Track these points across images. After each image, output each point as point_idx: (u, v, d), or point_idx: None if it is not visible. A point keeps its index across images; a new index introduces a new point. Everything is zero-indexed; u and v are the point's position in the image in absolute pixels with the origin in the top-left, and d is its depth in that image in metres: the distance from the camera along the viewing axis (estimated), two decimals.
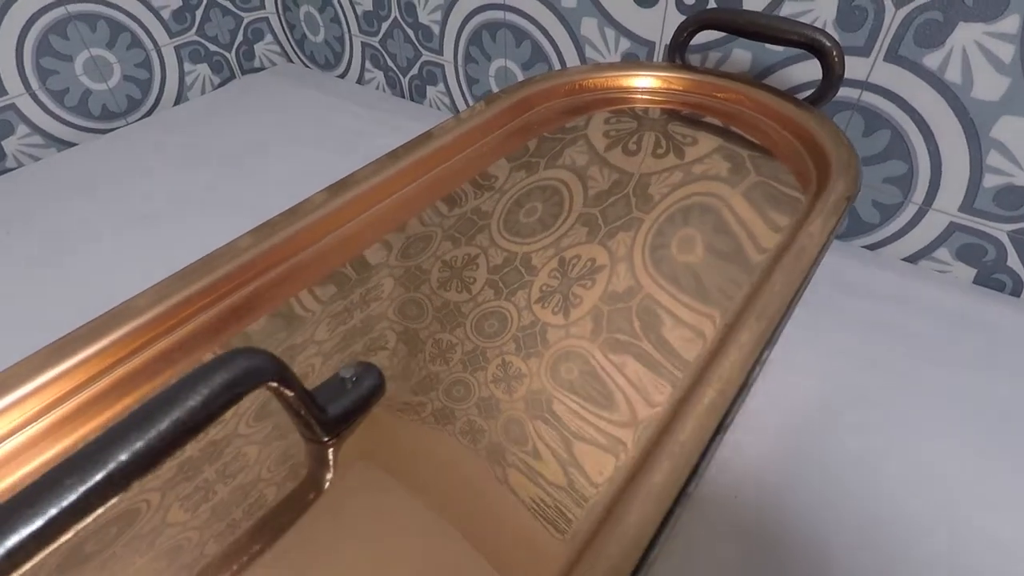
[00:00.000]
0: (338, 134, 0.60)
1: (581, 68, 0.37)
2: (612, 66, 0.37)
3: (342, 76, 0.72)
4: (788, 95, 0.33)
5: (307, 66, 0.75)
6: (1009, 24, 0.33)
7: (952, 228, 0.40)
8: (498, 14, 0.52)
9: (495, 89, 0.58)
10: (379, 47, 0.65)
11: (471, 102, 0.61)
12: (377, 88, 0.69)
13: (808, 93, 0.41)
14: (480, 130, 0.34)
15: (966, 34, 0.34)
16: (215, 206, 0.51)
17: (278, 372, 0.15)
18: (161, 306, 0.22)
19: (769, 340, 0.20)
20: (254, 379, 0.14)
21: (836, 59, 0.33)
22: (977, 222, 0.39)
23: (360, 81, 0.70)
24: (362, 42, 0.66)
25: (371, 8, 0.62)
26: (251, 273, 0.25)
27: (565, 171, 0.33)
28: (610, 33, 0.47)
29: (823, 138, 0.30)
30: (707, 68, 0.36)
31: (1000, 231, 0.39)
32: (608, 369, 0.21)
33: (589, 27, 0.48)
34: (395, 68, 0.65)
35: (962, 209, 0.39)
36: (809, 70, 0.40)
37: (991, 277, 0.41)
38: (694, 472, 0.16)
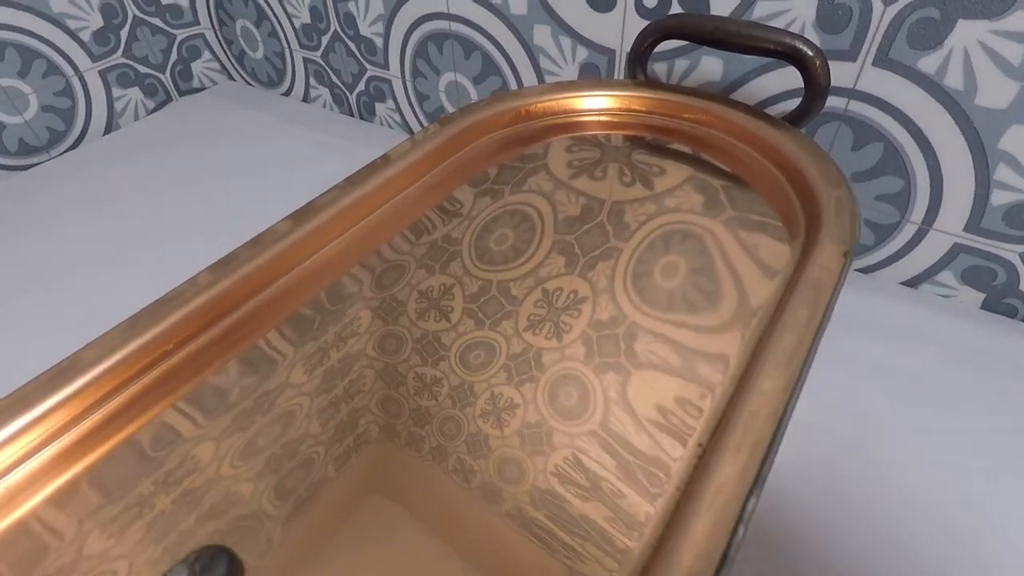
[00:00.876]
0: (284, 159, 0.55)
1: (535, 89, 0.32)
2: (568, 86, 0.32)
3: (286, 94, 0.66)
4: (765, 115, 0.29)
5: (250, 84, 0.69)
6: (1017, 21, 0.28)
7: (957, 250, 0.36)
8: (443, 24, 0.47)
9: (447, 105, 0.53)
10: (322, 62, 0.59)
11: (423, 120, 0.56)
12: (324, 106, 0.64)
13: (789, 105, 0.37)
14: (436, 155, 0.29)
15: (968, 33, 0.29)
16: (157, 241, 0.46)
17: None
18: (112, 358, 0.20)
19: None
20: None
21: (819, 69, 0.28)
22: (985, 243, 0.35)
23: (306, 99, 0.65)
24: (304, 57, 0.60)
25: (309, 21, 0.56)
26: (213, 314, 0.22)
27: (532, 197, 0.29)
28: (565, 42, 0.42)
29: (809, 169, 0.25)
30: (672, 85, 0.31)
31: (1011, 252, 0.34)
32: (630, 415, 0.19)
33: (542, 36, 0.43)
34: (341, 85, 0.60)
35: (968, 229, 0.35)
36: (789, 78, 0.35)
37: (1002, 302, 0.36)
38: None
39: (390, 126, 0.59)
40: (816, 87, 0.28)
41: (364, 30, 0.53)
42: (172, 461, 0.18)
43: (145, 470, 0.18)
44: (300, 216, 0.25)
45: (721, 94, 0.30)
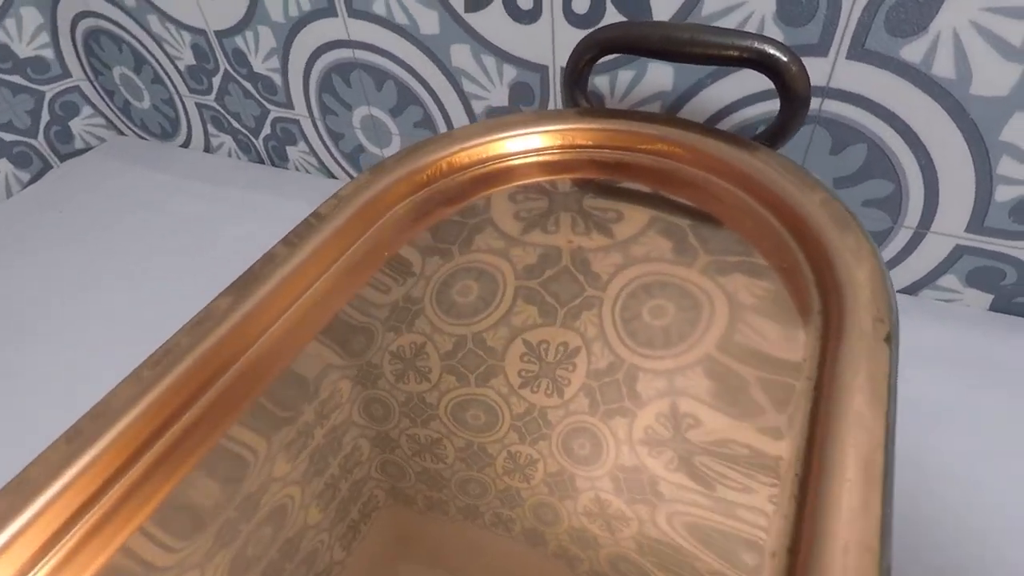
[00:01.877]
0: (190, 223, 0.47)
1: (462, 134, 0.26)
2: (499, 125, 0.26)
3: (185, 145, 0.58)
4: (737, 138, 0.23)
5: (142, 138, 0.61)
6: None
7: (959, 252, 0.32)
8: (346, 53, 0.41)
9: (365, 143, 0.46)
10: (218, 107, 0.52)
11: (342, 161, 0.49)
12: (229, 155, 0.56)
13: (758, 111, 0.32)
14: (362, 219, 0.23)
15: (957, 13, 0.25)
16: (44, 340, 0.38)
17: None
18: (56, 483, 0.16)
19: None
20: None
21: (796, 76, 0.23)
22: (991, 242, 0.30)
23: (208, 149, 0.57)
24: (196, 103, 0.53)
25: (193, 61, 0.49)
26: (163, 417, 0.19)
27: (484, 256, 0.24)
28: (489, 61, 0.36)
29: (808, 209, 0.20)
30: (621, 111, 0.26)
31: (1021, 250, 0.30)
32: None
33: (461, 56, 0.37)
34: (244, 130, 0.52)
35: (970, 229, 0.30)
36: (753, 78, 0.30)
37: (1012, 302, 0.32)
38: None
39: (307, 170, 0.52)
40: (794, 97, 0.23)
41: (258, 67, 0.46)
42: None
43: None
44: (240, 289, 0.21)
45: (681, 117, 0.25)
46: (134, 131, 0.61)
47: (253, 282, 0.22)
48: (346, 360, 0.21)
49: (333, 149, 0.49)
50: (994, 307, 0.33)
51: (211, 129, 0.55)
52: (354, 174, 0.50)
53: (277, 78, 0.46)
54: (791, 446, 0.16)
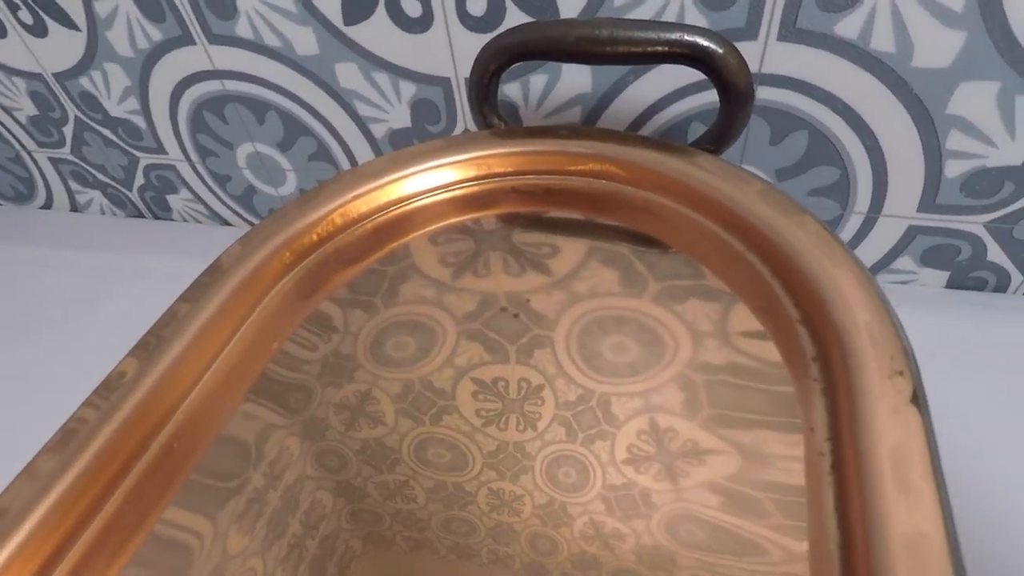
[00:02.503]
0: (58, 302, 0.40)
1: (352, 178, 0.21)
2: (399, 160, 0.22)
3: (46, 206, 0.50)
4: (678, 147, 0.20)
5: None
6: None
7: (912, 232, 0.30)
8: (214, 85, 0.35)
9: (256, 183, 0.41)
10: (76, 160, 0.44)
11: (234, 205, 0.43)
12: (102, 212, 0.49)
13: (692, 103, 0.29)
14: (261, 281, 0.19)
15: None
16: None
17: None
18: None
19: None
20: None
21: (735, 68, 0.20)
22: (944, 219, 0.29)
23: (75, 208, 0.49)
24: (49, 157, 0.45)
25: (36, 111, 0.41)
26: (83, 508, 0.15)
27: (414, 307, 0.21)
28: (382, 78, 0.32)
29: (778, 229, 0.16)
30: (542, 128, 0.22)
31: (975, 224, 0.28)
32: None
33: (349, 76, 0.32)
34: (113, 182, 0.45)
35: (922, 209, 0.29)
36: (682, 69, 0.27)
37: (969, 277, 0.31)
38: None
39: (196, 220, 0.46)
40: (735, 94, 0.20)
41: (114, 110, 0.39)
42: None
43: None
44: (147, 352, 0.17)
45: (612, 129, 0.21)
46: None
47: (160, 343, 0.17)
48: (287, 417, 0.19)
49: (221, 193, 0.43)
50: (950, 284, 0.32)
51: (74, 185, 0.47)
52: (250, 218, 0.44)
53: (139, 120, 0.39)
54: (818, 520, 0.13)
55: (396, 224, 0.22)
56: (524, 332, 0.21)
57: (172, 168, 0.42)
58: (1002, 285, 0.31)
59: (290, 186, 0.40)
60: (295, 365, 0.20)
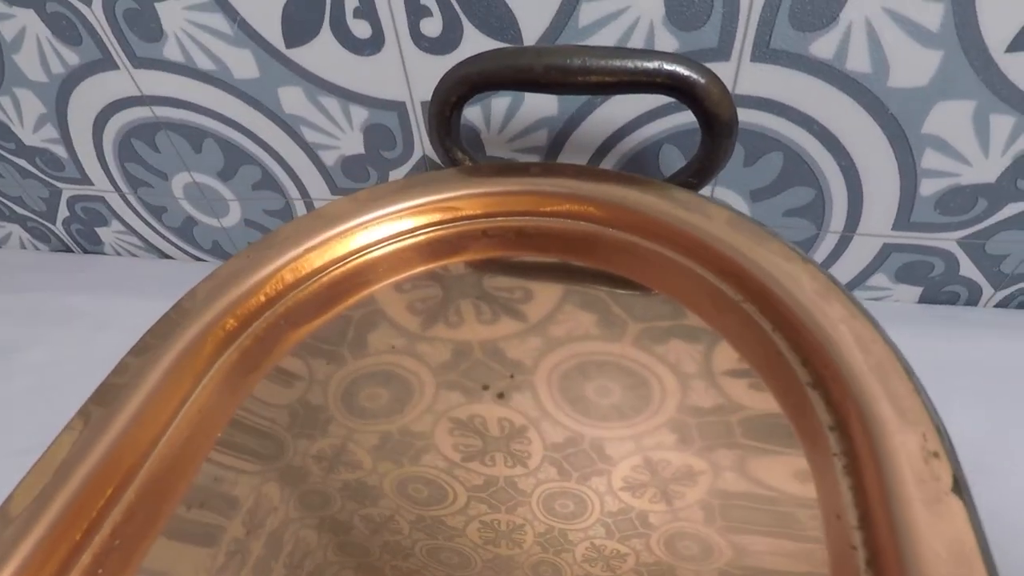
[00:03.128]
0: None
1: (306, 225, 0.19)
2: (359, 202, 0.19)
3: None
4: (654, 183, 0.19)
5: None
6: None
7: (887, 251, 0.29)
8: (142, 112, 0.32)
9: (195, 214, 0.37)
10: None
11: (172, 237, 0.40)
12: (23, 247, 0.44)
13: (666, 125, 0.27)
14: (205, 349, 0.16)
15: (868, 0, 0.21)
16: None
17: None
18: None
19: None
20: None
21: (717, 98, 0.18)
22: (918, 237, 0.28)
23: None
24: None
25: None
26: None
27: (386, 358, 0.19)
28: (331, 103, 0.29)
29: (761, 269, 0.15)
30: (512, 165, 0.20)
31: (947, 241, 0.28)
32: None
33: (293, 100, 0.30)
34: (34, 216, 0.41)
35: (897, 227, 0.28)
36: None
37: (941, 291, 0.31)
38: None
39: (131, 253, 0.42)
40: (717, 125, 0.19)
41: (29, 139, 0.35)
42: None
43: None
44: (104, 397, 0.16)
45: (588, 167, 0.19)
46: None
47: (116, 395, 0.16)
48: (263, 465, 0.17)
49: (156, 225, 0.39)
50: (923, 299, 0.31)
51: None
52: (191, 250, 0.40)
53: (59, 150, 0.35)
54: None
55: (355, 275, 0.19)
56: (503, 379, 0.20)
57: (100, 199, 0.38)
58: (973, 299, 0.31)
59: (234, 216, 0.37)
60: (260, 417, 0.18)
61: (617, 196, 0.18)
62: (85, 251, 0.43)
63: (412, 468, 0.17)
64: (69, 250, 0.44)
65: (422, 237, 0.19)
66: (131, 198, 0.38)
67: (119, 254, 0.43)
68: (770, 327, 0.15)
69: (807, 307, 0.14)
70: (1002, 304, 0.31)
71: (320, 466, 0.17)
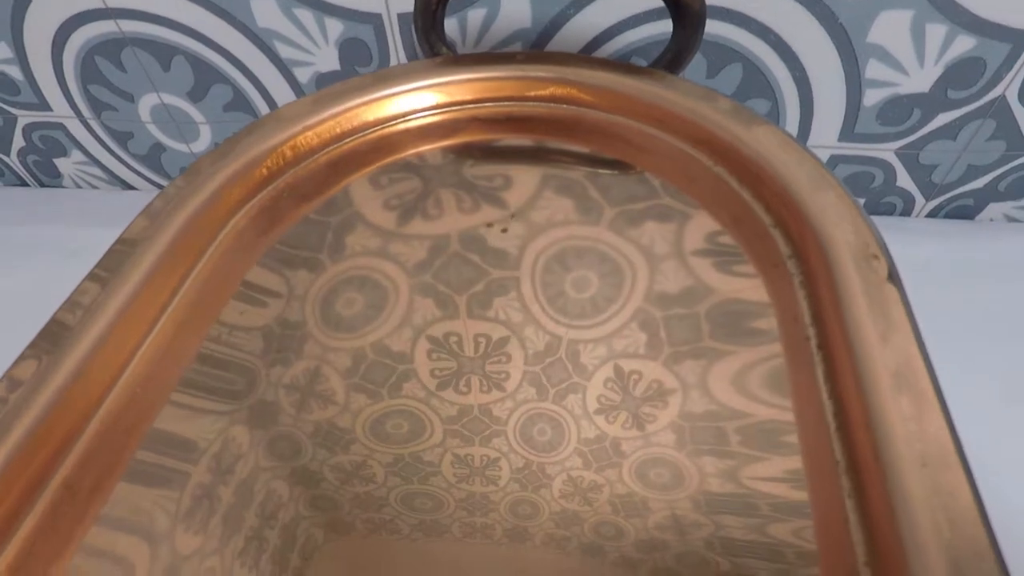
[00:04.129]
0: None
1: (305, 107, 0.20)
2: (357, 88, 0.20)
3: None
4: (640, 68, 0.20)
5: None
6: None
7: (834, 162, 0.32)
8: (107, 26, 0.31)
9: (164, 139, 0.37)
10: None
11: (137, 166, 0.39)
12: None
13: (635, 36, 0.29)
14: (192, 237, 0.17)
15: None
16: None
17: None
18: None
19: None
20: None
21: None
22: (861, 148, 0.31)
23: None
24: None
25: None
26: None
27: (363, 260, 0.20)
28: (305, 16, 0.29)
29: (731, 133, 0.17)
30: (497, 54, 0.21)
31: (887, 151, 0.31)
32: None
33: (267, 13, 0.30)
34: None
35: (843, 138, 0.30)
36: (623, 2, 0.27)
37: (880, 203, 0.34)
38: None
39: (92, 185, 0.41)
40: (689, 17, 0.20)
41: None
42: None
43: None
44: (49, 347, 0.15)
45: (572, 53, 0.21)
46: None
47: (65, 335, 0.15)
48: (230, 404, 0.17)
49: (121, 153, 0.38)
50: (865, 210, 0.34)
51: None
52: (157, 179, 0.40)
53: (14, 71, 0.34)
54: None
55: (348, 158, 0.20)
56: (481, 278, 0.21)
57: (60, 127, 0.37)
58: (908, 210, 0.34)
59: (204, 141, 0.36)
60: (234, 344, 0.18)
61: (601, 79, 0.20)
62: (42, 185, 0.42)
63: (390, 401, 0.18)
64: (25, 184, 0.42)
65: (417, 121, 0.20)
66: (94, 124, 0.37)
67: (79, 187, 0.42)
68: (737, 183, 0.17)
69: (769, 161, 0.16)
70: (932, 214, 0.34)
71: (291, 400, 0.17)
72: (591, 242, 0.21)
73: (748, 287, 0.17)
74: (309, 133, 0.19)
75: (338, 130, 0.19)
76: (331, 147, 0.19)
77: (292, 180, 0.19)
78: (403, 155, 0.20)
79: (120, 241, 0.17)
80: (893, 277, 0.13)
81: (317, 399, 0.17)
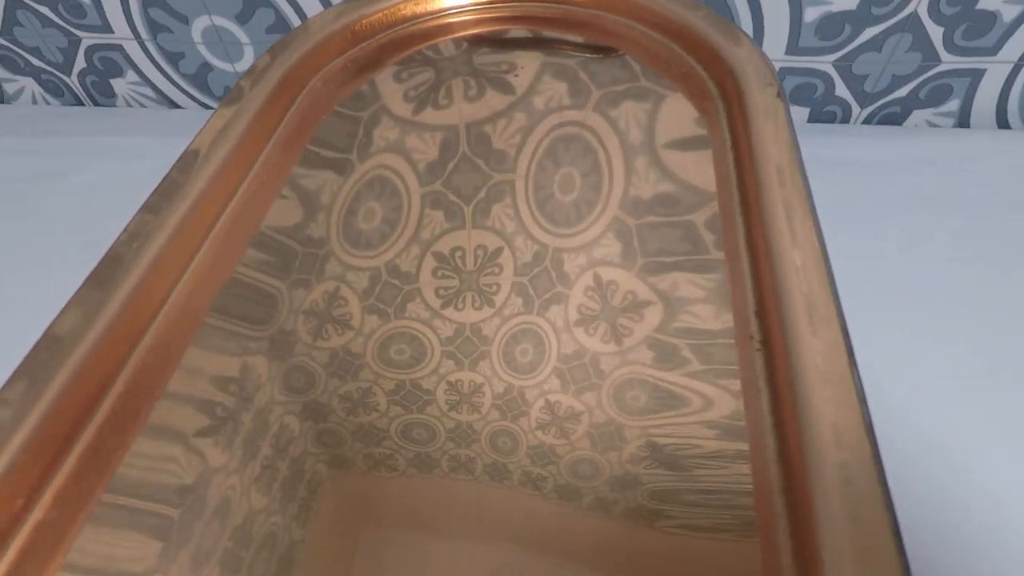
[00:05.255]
0: (14, 183, 0.40)
1: (330, 16, 0.26)
2: None
3: None
4: None
5: None
6: None
7: (783, 74, 0.38)
8: None
9: (213, 60, 0.42)
10: (7, 44, 0.44)
11: (186, 85, 0.45)
12: (34, 102, 0.48)
13: None
14: (255, 133, 0.22)
15: None
16: None
17: None
18: None
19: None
20: None
21: None
22: (804, 61, 0.37)
23: (2, 99, 0.48)
24: None
25: None
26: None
27: (384, 158, 0.24)
28: None
29: (692, 22, 0.23)
30: None
31: (826, 63, 0.37)
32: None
33: None
34: (50, 68, 0.45)
35: (788, 52, 0.37)
36: None
37: (823, 111, 0.40)
38: None
39: (141, 104, 0.47)
40: None
41: None
42: None
43: None
44: (103, 275, 0.15)
45: None
46: None
47: (118, 268, 0.15)
48: (254, 330, 0.17)
49: (172, 73, 0.44)
50: (811, 119, 0.41)
51: (2, 72, 0.46)
52: (203, 99, 0.46)
53: None
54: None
55: (376, 52, 0.26)
56: (485, 182, 0.26)
57: (118, 48, 0.43)
58: (846, 117, 0.40)
59: (247, 61, 0.42)
60: (261, 268, 0.18)
61: None
62: (96, 104, 0.48)
63: (396, 323, 0.18)
64: (81, 103, 0.48)
65: (477, 14, 0.27)
66: (150, 45, 0.42)
67: (130, 106, 0.47)
68: (683, 51, 0.24)
69: (709, 36, 0.23)
70: (867, 121, 0.40)
71: (308, 327, 0.18)
72: (578, 129, 0.28)
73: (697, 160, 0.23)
74: (372, 19, 0.25)
75: (396, 18, 0.25)
76: (387, 31, 0.25)
77: (355, 60, 0.25)
78: (420, 48, 0.27)
79: (186, 158, 0.18)
80: (781, 95, 0.20)
81: (335, 324, 0.18)
